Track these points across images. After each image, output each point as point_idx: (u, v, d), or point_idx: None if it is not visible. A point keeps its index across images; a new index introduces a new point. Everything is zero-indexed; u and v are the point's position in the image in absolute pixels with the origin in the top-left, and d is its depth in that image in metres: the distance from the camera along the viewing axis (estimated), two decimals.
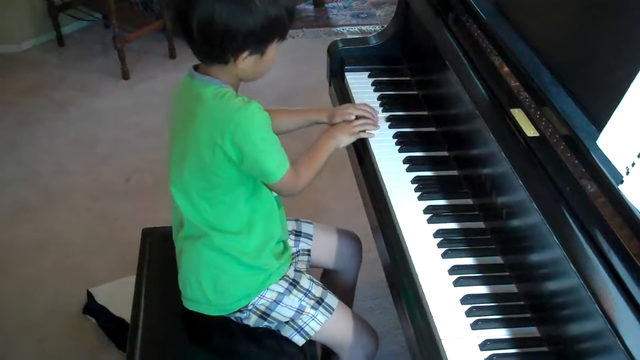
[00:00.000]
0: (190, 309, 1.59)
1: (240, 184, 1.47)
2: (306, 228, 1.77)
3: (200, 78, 1.43)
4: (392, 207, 1.53)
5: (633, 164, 1.10)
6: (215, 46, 1.36)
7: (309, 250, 1.76)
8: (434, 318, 1.27)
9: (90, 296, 2.35)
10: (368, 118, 1.72)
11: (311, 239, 1.76)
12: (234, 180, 1.46)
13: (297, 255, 1.74)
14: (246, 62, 1.40)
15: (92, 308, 2.33)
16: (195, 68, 1.47)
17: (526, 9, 1.59)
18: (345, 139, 1.68)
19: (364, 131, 1.71)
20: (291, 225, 1.75)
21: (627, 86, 1.16)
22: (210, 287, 1.54)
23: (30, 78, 3.74)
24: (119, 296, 2.29)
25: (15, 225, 2.75)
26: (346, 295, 1.80)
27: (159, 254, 1.81)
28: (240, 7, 1.32)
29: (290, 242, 1.71)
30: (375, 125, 1.73)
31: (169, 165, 1.53)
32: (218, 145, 1.39)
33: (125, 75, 3.70)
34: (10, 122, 3.39)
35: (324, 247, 1.79)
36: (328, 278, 1.86)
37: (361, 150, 1.74)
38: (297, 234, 1.76)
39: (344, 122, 1.71)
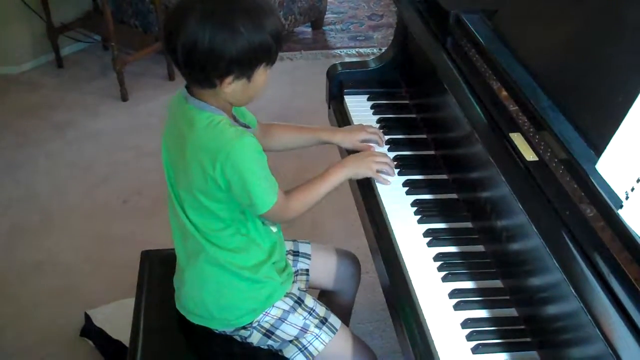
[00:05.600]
0: (195, 322, 1.59)
1: (233, 206, 1.47)
2: (304, 248, 1.77)
3: (195, 103, 1.43)
4: (392, 230, 1.53)
5: (632, 189, 1.11)
6: (199, 70, 1.37)
7: (307, 270, 1.76)
8: (434, 342, 1.27)
9: (87, 318, 2.34)
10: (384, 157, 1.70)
11: (309, 259, 1.76)
12: (227, 203, 1.46)
13: (296, 275, 1.73)
14: (233, 86, 1.40)
15: (90, 330, 2.32)
16: (188, 89, 1.47)
17: (524, 33, 1.60)
18: (362, 172, 1.65)
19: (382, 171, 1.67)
20: (288, 246, 1.75)
21: (625, 111, 1.17)
22: (214, 303, 1.55)
23: (28, 99, 3.75)
24: (116, 318, 2.28)
25: (13, 247, 2.74)
26: (343, 317, 1.79)
27: (158, 276, 1.80)
28: (223, 33, 1.32)
29: (289, 262, 1.71)
30: (392, 168, 1.69)
31: (167, 179, 1.53)
32: (209, 174, 1.40)
33: (124, 97, 3.71)
34: (9, 143, 3.39)
35: (323, 267, 1.79)
36: (325, 299, 1.86)
37: None
38: (295, 253, 1.75)
39: (362, 152, 1.69)
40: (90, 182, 3.13)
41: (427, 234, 1.52)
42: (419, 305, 1.35)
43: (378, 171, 1.66)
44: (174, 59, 1.38)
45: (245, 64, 1.37)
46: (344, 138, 1.78)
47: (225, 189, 1.42)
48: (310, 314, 1.59)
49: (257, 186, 1.42)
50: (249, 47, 1.34)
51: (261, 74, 1.42)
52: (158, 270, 1.82)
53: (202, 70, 1.37)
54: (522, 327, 1.30)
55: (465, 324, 1.30)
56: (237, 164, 1.38)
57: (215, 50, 1.33)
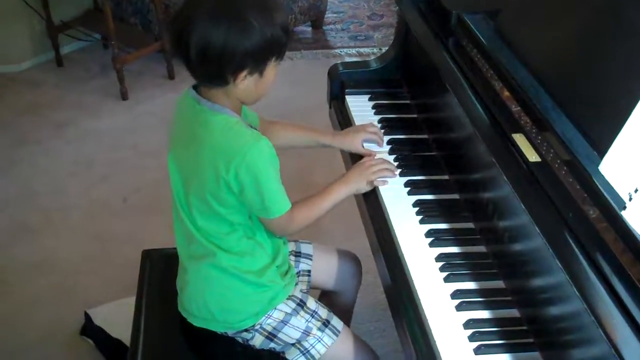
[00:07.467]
0: (197, 325, 1.59)
1: (242, 210, 1.47)
2: (306, 248, 1.77)
3: (209, 105, 1.43)
4: (394, 230, 1.53)
5: (636, 190, 1.11)
6: (214, 67, 1.37)
7: (309, 271, 1.76)
8: (436, 342, 1.27)
9: (87, 317, 2.33)
10: (384, 161, 1.70)
11: (311, 259, 1.76)
12: (236, 207, 1.46)
13: (298, 276, 1.73)
14: (246, 82, 1.40)
15: (90, 329, 2.32)
16: (195, 89, 1.46)
17: (527, 34, 1.60)
18: (363, 188, 1.65)
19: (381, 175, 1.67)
20: (290, 246, 1.75)
21: (629, 112, 1.17)
22: (217, 306, 1.55)
23: (28, 98, 3.74)
24: (116, 318, 2.27)
25: (12, 246, 2.74)
26: (344, 316, 1.80)
27: (158, 275, 1.81)
28: (236, 28, 1.33)
29: (291, 264, 1.71)
30: (393, 171, 1.69)
31: (172, 185, 1.53)
32: (222, 177, 1.40)
33: (124, 96, 3.70)
34: (9, 142, 3.39)
35: (324, 267, 1.79)
36: (327, 299, 1.86)
37: None
38: (297, 254, 1.75)
39: (360, 165, 1.68)
40: (90, 180, 3.13)
41: (429, 234, 1.51)
42: (421, 306, 1.35)
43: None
44: (186, 58, 1.38)
45: (259, 58, 1.38)
46: (344, 142, 1.78)
47: (238, 193, 1.42)
48: (313, 317, 1.58)
49: (271, 190, 1.43)
50: (262, 40, 1.35)
51: (272, 69, 1.43)
52: (159, 269, 1.82)
53: (217, 67, 1.36)
54: (525, 328, 1.30)
55: (468, 324, 1.30)
56: (252, 167, 1.38)
57: (230, 45, 1.33)
